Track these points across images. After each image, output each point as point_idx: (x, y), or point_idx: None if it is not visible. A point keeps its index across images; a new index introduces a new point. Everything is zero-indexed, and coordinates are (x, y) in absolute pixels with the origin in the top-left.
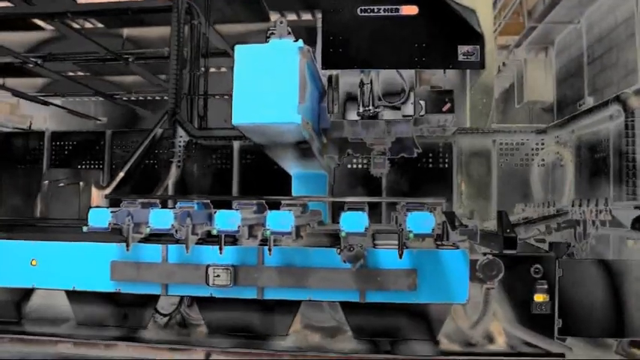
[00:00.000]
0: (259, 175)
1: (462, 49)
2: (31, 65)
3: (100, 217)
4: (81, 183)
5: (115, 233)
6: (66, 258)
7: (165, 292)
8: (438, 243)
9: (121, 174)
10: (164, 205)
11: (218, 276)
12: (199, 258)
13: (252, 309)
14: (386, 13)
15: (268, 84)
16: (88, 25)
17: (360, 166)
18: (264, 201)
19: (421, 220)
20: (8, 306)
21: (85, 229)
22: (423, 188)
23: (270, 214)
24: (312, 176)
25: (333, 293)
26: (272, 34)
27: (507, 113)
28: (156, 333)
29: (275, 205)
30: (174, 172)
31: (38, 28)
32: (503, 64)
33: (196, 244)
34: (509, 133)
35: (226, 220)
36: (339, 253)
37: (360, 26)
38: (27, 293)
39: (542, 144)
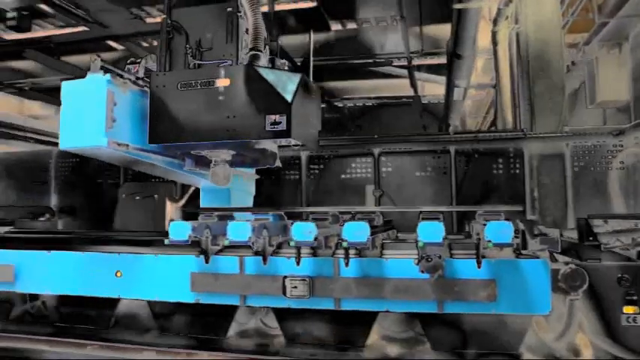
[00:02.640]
0: (328, 184)
1: (270, 118)
2: None
3: (180, 231)
4: (155, 196)
5: (194, 246)
6: (148, 270)
7: (244, 303)
8: (517, 252)
9: (193, 187)
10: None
11: (295, 287)
12: (276, 269)
13: (329, 320)
14: (203, 87)
15: (83, 113)
16: (155, 42)
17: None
18: (337, 212)
19: (500, 230)
20: (96, 314)
21: (166, 241)
22: (493, 195)
23: (347, 225)
24: (216, 189)
25: (410, 304)
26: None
27: (578, 115)
28: (235, 342)
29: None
30: None
31: (110, 49)
32: (573, 62)
33: (271, 255)
34: (583, 135)
35: (303, 231)
36: (417, 264)
37: (181, 101)
38: (113, 303)
39: (621, 146)
